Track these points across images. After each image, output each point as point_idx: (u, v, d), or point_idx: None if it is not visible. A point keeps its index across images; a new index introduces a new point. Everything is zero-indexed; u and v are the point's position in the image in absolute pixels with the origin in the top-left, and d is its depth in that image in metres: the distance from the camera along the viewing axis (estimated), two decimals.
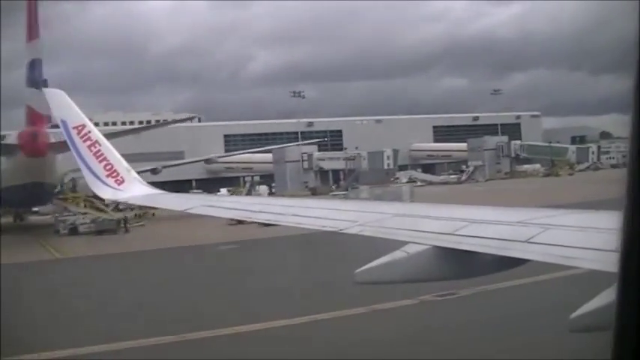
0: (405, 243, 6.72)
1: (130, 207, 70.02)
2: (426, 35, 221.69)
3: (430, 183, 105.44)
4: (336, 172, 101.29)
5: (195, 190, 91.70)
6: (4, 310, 18.56)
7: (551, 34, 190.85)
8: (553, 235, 5.60)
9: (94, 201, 53.83)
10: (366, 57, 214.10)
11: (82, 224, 51.15)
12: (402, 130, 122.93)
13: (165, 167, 74.17)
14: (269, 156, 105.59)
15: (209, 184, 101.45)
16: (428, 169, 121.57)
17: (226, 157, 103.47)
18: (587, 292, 4.83)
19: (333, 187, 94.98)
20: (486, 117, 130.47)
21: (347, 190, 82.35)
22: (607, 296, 4.22)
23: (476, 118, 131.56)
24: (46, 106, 27.48)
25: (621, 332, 2.00)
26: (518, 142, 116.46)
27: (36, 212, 66.43)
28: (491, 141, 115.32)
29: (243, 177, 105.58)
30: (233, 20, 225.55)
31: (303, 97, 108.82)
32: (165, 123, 74.45)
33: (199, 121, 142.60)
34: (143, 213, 69.79)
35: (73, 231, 50.56)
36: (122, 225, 51.32)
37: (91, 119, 15.47)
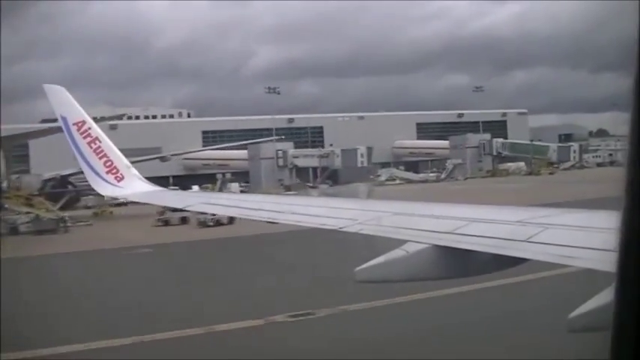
0: (404, 242, 6.70)
1: (87, 205, 69.17)
2: (427, 33, 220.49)
3: (409, 181, 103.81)
4: (314, 169, 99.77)
5: (171, 187, 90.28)
6: None
7: (552, 32, 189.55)
8: (553, 235, 5.63)
9: (35, 199, 52.32)
10: (367, 54, 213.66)
11: (22, 224, 49.65)
12: (384, 126, 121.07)
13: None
14: (245, 153, 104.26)
15: (186, 181, 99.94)
16: (411, 166, 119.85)
17: (195, 154, 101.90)
18: (586, 292, 4.79)
19: (308, 185, 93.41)
20: (472, 114, 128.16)
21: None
22: (606, 296, 4.24)
23: (460, 115, 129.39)
24: None
25: (619, 332, 2.00)
26: (500, 139, 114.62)
27: None
28: (474, 138, 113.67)
29: (223, 174, 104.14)
30: (234, 16, 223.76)
31: (278, 94, 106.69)
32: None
33: (189, 116, 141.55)
34: (102, 211, 68.53)
35: (14, 231, 49.06)
36: (62, 225, 49.78)
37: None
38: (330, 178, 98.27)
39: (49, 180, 62.12)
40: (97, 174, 13.40)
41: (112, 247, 37.15)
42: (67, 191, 60.55)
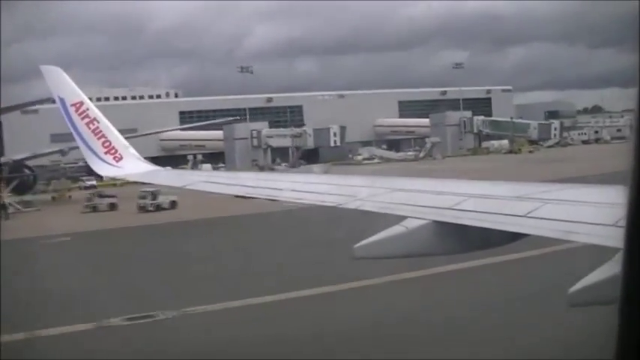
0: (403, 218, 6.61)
1: (46, 190, 68.00)
2: (425, 10, 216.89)
3: (388, 160, 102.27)
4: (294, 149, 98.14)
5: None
6: None
7: (550, 8, 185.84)
8: (551, 210, 5.60)
9: None
10: (364, 31, 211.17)
11: None
12: (365, 105, 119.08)
13: (72, 148, 70.93)
14: (221, 133, 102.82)
15: (162, 162, 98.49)
16: (393, 145, 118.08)
17: (170, 134, 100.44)
18: (586, 267, 4.75)
19: (283, 165, 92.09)
20: (455, 91, 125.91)
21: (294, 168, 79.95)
22: (606, 270, 4.23)
23: (443, 93, 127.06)
24: None
25: (626, 305, 2.00)
26: (480, 117, 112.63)
27: None
28: (454, 116, 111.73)
29: (194, 155, 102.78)
30: None
31: (251, 73, 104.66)
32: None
33: (176, 96, 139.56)
34: (60, 195, 67.41)
35: None
36: (2, 211, 48.66)
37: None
38: (307, 158, 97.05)
39: (3, 165, 60.84)
40: (96, 154, 13.43)
41: (34, 235, 35.92)
42: (19, 176, 59.26)
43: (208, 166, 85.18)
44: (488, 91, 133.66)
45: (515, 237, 6.07)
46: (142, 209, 46.37)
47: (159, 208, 46.62)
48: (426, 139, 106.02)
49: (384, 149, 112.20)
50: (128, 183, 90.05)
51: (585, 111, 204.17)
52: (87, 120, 13.53)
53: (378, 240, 6.89)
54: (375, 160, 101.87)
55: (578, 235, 5.04)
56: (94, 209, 48.99)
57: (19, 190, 58.13)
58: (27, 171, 61.71)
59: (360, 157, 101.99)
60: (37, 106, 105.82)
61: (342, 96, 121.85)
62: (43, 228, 38.46)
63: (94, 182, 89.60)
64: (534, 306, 15.51)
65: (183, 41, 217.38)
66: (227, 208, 46.54)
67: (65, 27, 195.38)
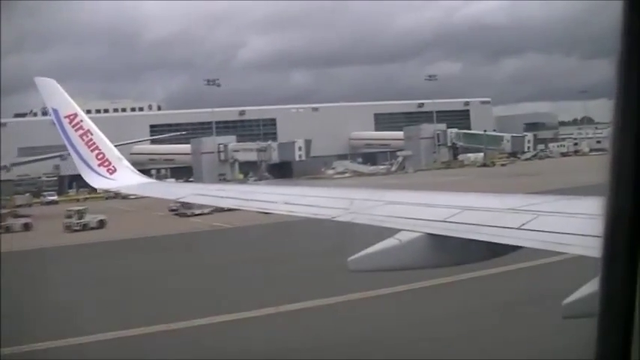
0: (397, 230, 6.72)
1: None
2: (418, 21, 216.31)
3: (359, 174, 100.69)
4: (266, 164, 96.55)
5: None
6: None
7: (544, 19, 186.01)
8: (545, 222, 5.66)
9: None
10: (359, 42, 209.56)
11: None
12: (340, 118, 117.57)
13: (14, 165, 69.68)
14: (189, 147, 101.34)
15: None
16: (370, 158, 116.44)
17: (140, 148, 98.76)
18: (580, 279, 4.77)
19: (251, 179, 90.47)
20: (433, 103, 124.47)
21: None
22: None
23: (421, 105, 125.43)
24: None
25: (606, 317, 2.05)
26: (454, 130, 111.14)
27: None
28: (428, 129, 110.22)
29: (157, 169, 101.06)
30: (225, 7, 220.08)
31: (218, 86, 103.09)
32: None
33: (159, 109, 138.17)
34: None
35: None
36: None
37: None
38: (280, 172, 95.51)
39: None
40: (90, 167, 13.47)
41: None
42: None
43: (172, 181, 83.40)
44: (467, 103, 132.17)
45: (508, 249, 6.03)
46: (68, 229, 44.60)
47: (86, 227, 44.88)
48: (398, 153, 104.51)
49: (359, 163, 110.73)
50: (93, 198, 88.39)
51: (575, 122, 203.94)
52: (81, 132, 13.57)
53: (372, 253, 6.84)
54: (347, 175, 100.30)
55: (571, 247, 5.04)
56: (8, 230, 47.15)
57: None
58: None
59: (331, 171, 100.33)
60: (4, 120, 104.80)
61: (316, 109, 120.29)
62: None
63: (55, 197, 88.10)
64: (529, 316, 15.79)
65: (179, 52, 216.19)
66: (159, 226, 45.08)
67: (62, 38, 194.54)
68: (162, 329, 18.48)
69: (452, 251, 6.49)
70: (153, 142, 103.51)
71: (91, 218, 45.35)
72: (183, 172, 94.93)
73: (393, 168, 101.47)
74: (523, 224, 5.75)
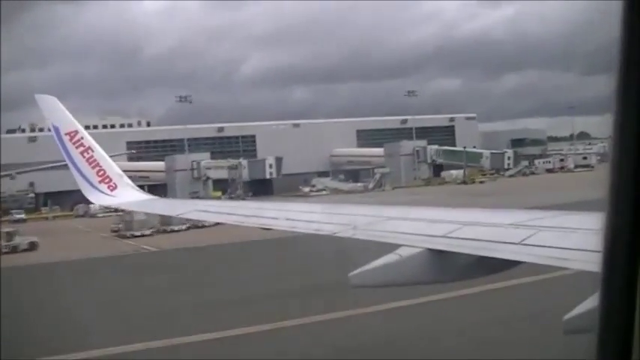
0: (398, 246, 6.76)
1: None
2: (418, 36, 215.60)
3: (337, 191, 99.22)
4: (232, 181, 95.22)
5: None
6: None
7: (544, 35, 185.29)
8: (545, 237, 5.68)
9: None
10: (358, 58, 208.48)
11: None
12: (321, 134, 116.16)
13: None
14: (163, 164, 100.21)
15: None
16: (352, 175, 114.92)
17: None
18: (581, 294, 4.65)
19: (223, 197, 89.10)
20: (417, 120, 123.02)
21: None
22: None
23: (404, 121, 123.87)
24: None
25: (605, 331, 2.06)
26: (434, 147, 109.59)
27: None
28: (408, 146, 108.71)
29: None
30: (225, 23, 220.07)
31: (190, 102, 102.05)
32: None
33: (148, 125, 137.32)
34: None
35: None
36: None
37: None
38: (260, 190, 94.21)
39: None
40: (91, 183, 13.50)
41: None
42: None
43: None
44: (452, 119, 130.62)
45: (509, 264, 5.97)
46: None
47: (16, 249, 43.51)
48: (375, 170, 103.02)
49: (340, 180, 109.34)
50: (64, 216, 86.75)
51: (572, 137, 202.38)
52: (81, 149, 13.62)
53: (373, 268, 6.85)
54: (324, 192, 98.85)
55: (573, 262, 5.03)
56: None
57: None
58: None
59: (306, 189, 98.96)
60: None
61: (297, 125, 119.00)
62: None
63: (22, 216, 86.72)
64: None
65: (180, 68, 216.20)
66: (90, 249, 43.73)
67: (62, 54, 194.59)
68: None
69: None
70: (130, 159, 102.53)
71: (21, 240, 44.04)
72: (159, 190, 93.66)
73: (370, 186, 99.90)
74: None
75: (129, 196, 13.80)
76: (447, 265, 6.43)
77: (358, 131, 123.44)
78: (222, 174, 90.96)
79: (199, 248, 40.92)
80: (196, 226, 52.19)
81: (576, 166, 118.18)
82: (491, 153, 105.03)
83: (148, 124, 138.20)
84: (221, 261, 35.07)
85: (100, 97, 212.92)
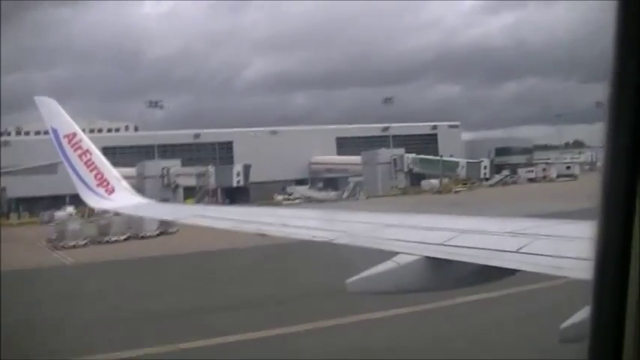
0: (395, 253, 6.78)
1: None
2: (419, 44, 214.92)
3: (310, 200, 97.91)
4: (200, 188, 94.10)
5: (71, 207, 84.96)
6: None
7: (543, 43, 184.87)
8: (542, 246, 5.69)
9: None
10: (359, 65, 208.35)
11: None
12: (300, 141, 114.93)
13: None
14: (134, 170, 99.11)
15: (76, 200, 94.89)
16: (331, 183, 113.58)
17: None
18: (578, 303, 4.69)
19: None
20: (399, 127, 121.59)
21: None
22: None
23: (386, 129, 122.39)
24: None
25: (596, 339, 2.09)
26: (412, 155, 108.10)
27: None
28: (385, 154, 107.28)
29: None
30: (226, 28, 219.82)
31: (161, 108, 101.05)
32: None
33: (136, 130, 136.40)
34: None
35: None
36: None
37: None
38: (238, 197, 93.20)
39: None
40: (88, 186, 13.57)
41: None
42: None
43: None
44: (434, 127, 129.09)
45: (505, 273, 5.90)
46: None
47: None
48: (349, 179, 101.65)
49: (319, 188, 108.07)
50: (31, 223, 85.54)
51: (567, 145, 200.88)
52: (79, 152, 13.68)
53: (370, 275, 6.83)
54: (297, 201, 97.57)
55: (569, 271, 5.00)
56: None
57: None
58: None
59: (280, 197, 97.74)
60: None
61: (275, 132, 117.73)
62: None
63: None
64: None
65: (180, 72, 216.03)
66: (14, 260, 42.29)
67: (65, 57, 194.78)
68: None
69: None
70: None
71: None
72: None
73: (344, 195, 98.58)
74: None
75: (126, 199, 13.73)
76: (444, 274, 6.43)
77: (338, 138, 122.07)
78: (191, 181, 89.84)
79: (123, 262, 39.64)
80: (137, 236, 51.08)
81: (559, 176, 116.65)
82: (467, 162, 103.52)
83: (136, 129, 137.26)
84: (133, 277, 33.68)
85: (98, 101, 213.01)
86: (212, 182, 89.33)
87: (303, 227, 9.17)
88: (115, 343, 18.38)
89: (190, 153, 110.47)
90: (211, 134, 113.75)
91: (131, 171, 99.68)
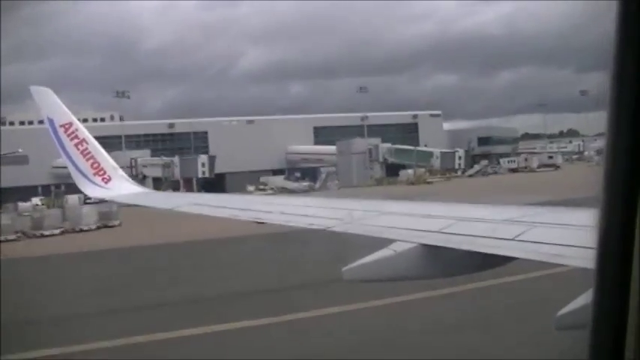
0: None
1: None
2: (415, 33, 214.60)
3: (283, 190, 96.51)
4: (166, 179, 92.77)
5: (37, 198, 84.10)
6: None
7: (539, 32, 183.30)
8: (540, 233, 5.67)
9: None
10: (354, 54, 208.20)
11: None
12: (276, 131, 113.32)
13: None
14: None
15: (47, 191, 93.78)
16: (308, 173, 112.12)
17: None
18: (574, 290, 4.76)
19: None
20: (379, 117, 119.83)
21: None
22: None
23: (364, 118, 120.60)
24: None
25: (598, 329, 2.08)
26: (387, 145, 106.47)
27: None
28: (361, 144, 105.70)
29: (56, 186, 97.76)
30: (222, 18, 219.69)
31: (128, 98, 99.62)
32: None
33: (121, 119, 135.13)
34: None
35: None
36: None
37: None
38: (213, 187, 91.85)
39: None
40: (85, 176, 13.56)
41: None
42: None
43: (75, 198, 79.65)
44: (415, 116, 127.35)
45: (504, 260, 6.01)
46: None
47: None
48: (322, 169, 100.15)
49: (297, 179, 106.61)
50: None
51: (561, 134, 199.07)
52: (76, 141, 13.63)
53: (366, 263, 6.84)
54: (269, 191, 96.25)
55: (566, 259, 4.96)
56: None
57: None
58: None
59: (251, 188, 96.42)
60: None
61: (251, 122, 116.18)
62: None
63: None
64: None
65: (175, 62, 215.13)
66: None
67: (61, 48, 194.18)
68: None
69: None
70: None
71: None
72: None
73: (317, 185, 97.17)
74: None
75: (123, 188, 13.73)
76: (441, 261, 6.38)
77: (316, 128, 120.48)
78: (157, 172, 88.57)
79: (42, 258, 38.42)
80: (74, 230, 49.85)
81: (540, 166, 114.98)
82: (442, 152, 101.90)
83: (121, 119, 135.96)
84: (37, 277, 32.31)
85: (93, 91, 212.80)
86: (177, 173, 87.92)
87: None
88: None
89: (164, 143, 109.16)
90: (186, 124, 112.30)
91: None
